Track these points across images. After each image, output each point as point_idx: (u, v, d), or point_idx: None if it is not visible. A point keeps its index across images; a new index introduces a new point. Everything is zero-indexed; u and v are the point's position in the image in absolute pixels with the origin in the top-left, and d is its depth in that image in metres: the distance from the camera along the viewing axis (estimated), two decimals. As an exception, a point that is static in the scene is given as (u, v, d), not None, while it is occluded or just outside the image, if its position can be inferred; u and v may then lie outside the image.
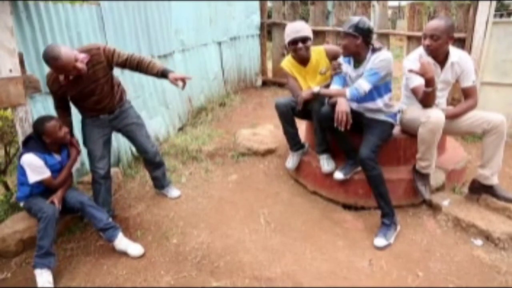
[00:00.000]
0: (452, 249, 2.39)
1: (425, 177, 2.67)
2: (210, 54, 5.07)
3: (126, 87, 3.39)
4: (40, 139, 2.37)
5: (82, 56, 2.28)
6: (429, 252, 2.38)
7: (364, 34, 2.45)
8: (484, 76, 3.91)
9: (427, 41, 2.47)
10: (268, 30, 6.17)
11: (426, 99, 2.45)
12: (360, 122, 2.67)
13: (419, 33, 4.37)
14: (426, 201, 2.79)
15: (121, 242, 2.44)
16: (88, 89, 2.42)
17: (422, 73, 2.33)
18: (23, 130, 2.51)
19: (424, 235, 2.53)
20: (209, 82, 5.13)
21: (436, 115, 2.38)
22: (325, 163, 2.91)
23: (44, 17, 2.66)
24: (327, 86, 2.82)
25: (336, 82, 2.70)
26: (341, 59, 2.74)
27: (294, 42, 2.80)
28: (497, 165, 2.50)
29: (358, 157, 2.54)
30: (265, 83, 6.27)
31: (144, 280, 2.23)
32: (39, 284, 2.16)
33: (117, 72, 3.21)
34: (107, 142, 2.68)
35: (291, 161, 3.16)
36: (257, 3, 5.87)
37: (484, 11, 3.77)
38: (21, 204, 2.46)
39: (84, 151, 2.70)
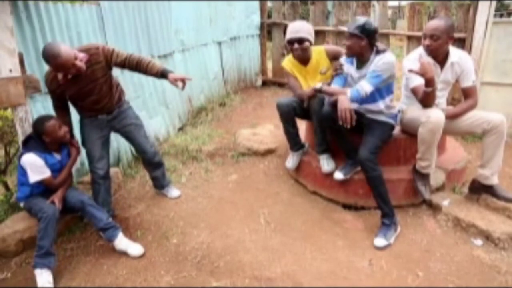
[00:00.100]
0: (452, 249, 2.39)
1: (425, 177, 2.67)
2: (210, 54, 5.07)
3: (126, 87, 3.39)
4: (40, 139, 2.37)
5: (81, 55, 2.28)
6: (429, 252, 2.38)
7: (369, 35, 2.43)
8: (484, 76, 3.91)
9: (427, 41, 2.46)
10: (268, 30, 6.17)
11: (426, 99, 2.45)
12: (360, 122, 2.67)
13: (419, 33, 4.37)
14: (426, 201, 2.79)
15: (121, 242, 2.44)
16: (87, 88, 2.41)
17: (422, 73, 2.33)
18: (23, 130, 2.51)
19: (424, 235, 2.53)
20: (209, 82, 5.13)
21: (436, 115, 2.38)
22: (325, 163, 2.91)
23: (44, 17, 2.66)
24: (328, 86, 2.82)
25: (336, 82, 2.70)
26: (343, 60, 2.73)
27: (290, 41, 2.82)
28: (497, 165, 2.50)
29: (358, 158, 2.54)
30: (265, 83, 6.27)
31: (144, 280, 2.24)
32: (39, 284, 2.16)
33: (117, 72, 3.22)
34: (106, 143, 2.68)
35: (291, 161, 3.16)
36: (257, 3, 5.87)
37: (484, 11, 3.77)
38: (21, 204, 2.46)
39: (83, 151, 2.70)
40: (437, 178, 2.81)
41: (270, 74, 6.36)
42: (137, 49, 3.56)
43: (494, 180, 2.54)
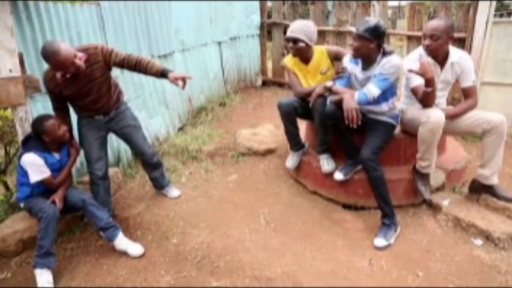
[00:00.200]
0: (452, 249, 2.39)
1: (425, 177, 2.67)
2: (210, 54, 5.07)
3: (126, 87, 3.40)
4: (40, 138, 2.37)
5: (80, 54, 2.27)
6: (429, 252, 2.38)
7: (379, 37, 2.41)
8: (484, 76, 3.91)
9: (427, 41, 2.46)
10: (268, 30, 6.17)
11: (426, 99, 2.45)
12: (362, 121, 2.65)
13: (419, 33, 4.36)
14: (426, 201, 2.79)
15: (121, 242, 2.44)
16: (85, 88, 2.40)
17: (422, 73, 2.33)
18: (23, 130, 2.51)
19: (424, 235, 2.53)
20: (209, 82, 5.13)
21: (436, 115, 2.38)
22: (325, 163, 2.91)
23: (44, 17, 2.66)
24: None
25: (339, 83, 2.68)
26: (347, 60, 2.71)
27: (287, 40, 2.86)
28: (497, 165, 2.50)
29: (360, 158, 2.53)
30: (265, 83, 6.26)
31: (144, 280, 2.24)
32: (39, 284, 2.16)
33: (116, 72, 3.22)
34: (104, 143, 2.67)
35: (291, 160, 3.16)
36: (257, 3, 5.87)
37: (484, 11, 3.77)
38: (22, 205, 2.46)
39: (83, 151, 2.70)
40: (437, 178, 2.81)
41: (270, 74, 6.36)
42: (137, 49, 3.56)
43: (494, 180, 2.54)
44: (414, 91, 2.54)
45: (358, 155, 2.76)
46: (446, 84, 2.66)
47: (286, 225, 2.70)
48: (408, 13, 4.58)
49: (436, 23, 2.42)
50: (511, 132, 3.21)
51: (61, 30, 2.80)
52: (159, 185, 3.07)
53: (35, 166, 2.31)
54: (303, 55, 2.88)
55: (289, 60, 3.01)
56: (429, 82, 2.34)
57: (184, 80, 2.47)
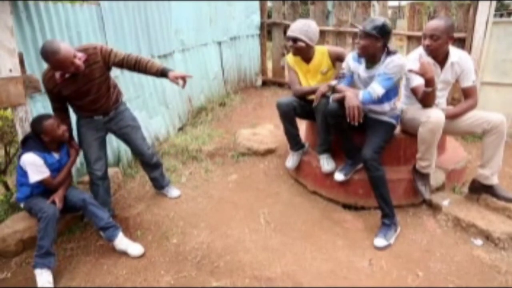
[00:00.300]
0: (452, 249, 2.39)
1: (425, 177, 2.67)
2: (210, 54, 5.07)
3: (126, 87, 3.41)
4: (39, 138, 2.36)
5: (79, 54, 2.27)
6: (429, 252, 2.38)
7: (386, 36, 2.41)
8: (484, 76, 3.91)
9: (427, 41, 2.46)
10: (268, 30, 6.17)
11: (426, 99, 2.45)
12: (363, 121, 2.65)
13: (419, 33, 4.36)
14: (426, 201, 2.79)
15: (121, 242, 2.44)
16: (84, 88, 2.40)
17: (422, 73, 2.33)
18: (23, 130, 2.51)
19: (424, 235, 2.53)
20: (209, 82, 5.13)
21: (436, 115, 2.38)
22: (325, 163, 2.91)
23: (44, 17, 2.66)
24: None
25: (341, 82, 2.69)
26: (349, 59, 2.70)
27: (287, 38, 2.87)
28: (497, 165, 2.50)
29: (362, 157, 2.52)
30: (265, 83, 6.27)
31: (144, 280, 2.24)
32: (39, 284, 2.16)
33: (116, 72, 3.22)
34: (103, 143, 2.66)
35: (291, 160, 3.16)
36: (257, 3, 5.87)
37: (484, 11, 3.77)
38: (22, 205, 2.46)
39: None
40: (437, 178, 2.81)
41: (270, 74, 6.35)
42: (137, 49, 3.56)
43: (494, 180, 2.54)
44: (414, 91, 2.54)
45: (359, 155, 2.77)
46: (446, 84, 2.66)
47: (286, 225, 2.70)
48: (408, 13, 4.58)
49: (436, 23, 2.42)
50: (511, 132, 3.21)
51: (61, 30, 2.80)
52: (159, 185, 3.07)
53: (35, 166, 2.31)
54: (303, 54, 2.89)
55: (290, 58, 3.02)
56: (429, 82, 2.34)
57: (184, 79, 2.46)
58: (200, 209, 2.93)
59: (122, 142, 2.85)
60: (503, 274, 2.18)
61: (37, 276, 2.17)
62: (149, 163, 2.89)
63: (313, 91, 2.97)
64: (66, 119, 2.53)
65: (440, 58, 2.54)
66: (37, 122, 2.34)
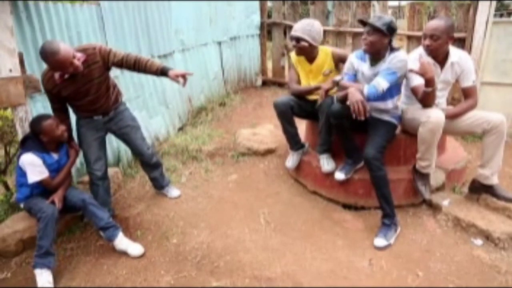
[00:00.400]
0: (452, 249, 2.39)
1: (425, 177, 2.67)
2: (210, 54, 5.07)
3: (126, 87, 3.41)
4: (38, 139, 2.36)
5: (79, 55, 2.27)
6: (429, 252, 2.38)
7: (392, 34, 2.43)
8: (484, 76, 3.91)
9: (427, 41, 2.46)
10: (268, 30, 6.17)
11: (426, 99, 2.45)
12: (365, 121, 2.64)
13: (419, 33, 4.36)
14: (426, 201, 2.79)
15: (121, 241, 2.44)
16: (83, 88, 2.39)
17: (422, 73, 2.33)
18: (23, 130, 2.51)
19: (424, 235, 2.53)
20: (209, 82, 5.13)
21: (436, 115, 2.38)
22: (325, 163, 2.91)
23: (44, 17, 2.66)
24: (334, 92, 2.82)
25: (346, 79, 2.67)
26: (353, 57, 2.68)
27: (290, 38, 2.88)
28: (497, 165, 2.50)
29: (364, 157, 2.51)
30: (265, 83, 6.27)
31: (144, 280, 2.24)
32: (39, 284, 2.16)
33: (116, 72, 3.22)
34: (102, 144, 2.66)
35: (291, 160, 3.16)
36: (257, 3, 5.87)
37: (484, 11, 3.77)
38: (21, 205, 2.46)
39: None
40: (437, 178, 2.81)
41: (270, 74, 6.36)
42: (137, 49, 3.56)
43: (494, 180, 2.54)
44: (414, 91, 2.54)
45: (359, 154, 2.77)
46: (446, 84, 2.66)
47: (286, 225, 2.70)
48: (408, 13, 4.58)
49: (436, 23, 2.42)
50: (511, 132, 3.21)
51: (61, 30, 2.80)
52: (158, 185, 3.07)
53: (34, 166, 2.31)
54: (307, 54, 2.89)
55: (294, 56, 3.02)
56: (429, 82, 2.34)
57: (185, 77, 2.46)
58: (200, 209, 2.93)
59: (122, 142, 2.85)
60: (503, 274, 2.17)
61: (37, 276, 2.17)
62: (149, 163, 2.89)
63: (309, 91, 2.98)
64: (65, 120, 2.53)
65: (440, 58, 2.54)
66: (36, 122, 2.34)
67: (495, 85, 3.89)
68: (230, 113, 4.98)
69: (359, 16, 4.80)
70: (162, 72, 2.46)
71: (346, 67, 2.73)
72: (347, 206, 2.91)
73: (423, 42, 2.51)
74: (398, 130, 2.82)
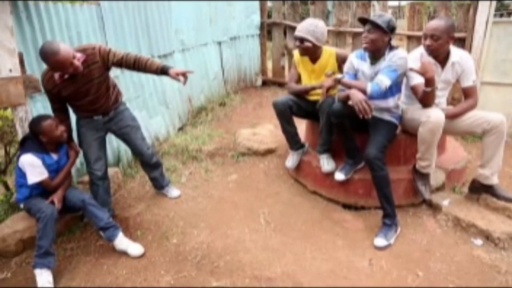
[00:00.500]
0: (452, 249, 2.39)
1: (425, 176, 2.67)
2: (210, 54, 5.07)
3: (126, 87, 3.41)
4: (37, 139, 2.35)
5: (78, 55, 2.27)
6: (429, 252, 2.38)
7: (392, 32, 2.45)
8: (484, 76, 3.92)
9: (427, 41, 2.46)
10: (268, 30, 6.17)
11: (426, 99, 2.45)
12: (365, 121, 2.64)
13: (419, 33, 4.36)
14: (426, 201, 2.79)
15: (121, 241, 2.44)
16: (83, 89, 2.39)
17: (422, 72, 2.33)
18: (23, 130, 2.51)
19: (424, 235, 2.53)
20: (209, 82, 5.13)
21: (436, 115, 2.38)
22: (325, 163, 2.91)
23: (44, 17, 2.65)
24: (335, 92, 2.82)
25: (347, 77, 2.67)
26: (353, 58, 2.68)
27: (294, 38, 2.86)
28: (497, 165, 2.50)
29: (366, 156, 2.50)
30: (265, 83, 6.27)
31: (144, 279, 2.24)
32: (39, 284, 2.16)
33: (117, 72, 3.22)
34: (102, 143, 2.66)
35: (291, 160, 3.16)
36: (257, 3, 5.87)
37: (484, 11, 3.77)
38: (21, 205, 2.46)
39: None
40: (437, 178, 2.81)
41: (270, 74, 6.36)
42: (137, 49, 3.55)
43: (494, 180, 2.54)
44: (414, 90, 2.54)
45: (359, 155, 2.77)
46: (446, 84, 2.66)
47: (286, 225, 2.70)
48: (408, 13, 4.58)
49: (437, 23, 2.42)
50: (511, 132, 3.21)
51: (61, 30, 2.80)
52: (158, 185, 3.07)
53: (34, 167, 2.30)
54: (310, 54, 2.89)
55: (297, 55, 3.02)
56: (429, 82, 2.34)
57: (185, 75, 2.45)
58: (200, 209, 2.93)
59: (122, 142, 2.85)
60: (503, 274, 2.17)
61: (37, 276, 2.17)
62: (149, 163, 2.89)
63: (305, 91, 2.98)
64: (65, 120, 2.52)
65: (441, 58, 2.54)
66: (35, 123, 2.33)
67: (495, 85, 3.89)
68: (230, 113, 4.98)
69: (359, 16, 4.79)
70: (163, 70, 2.46)
71: (346, 66, 2.73)
72: (347, 206, 2.91)
73: (423, 42, 2.51)
74: (398, 130, 2.82)
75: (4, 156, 3.20)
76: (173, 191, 3.10)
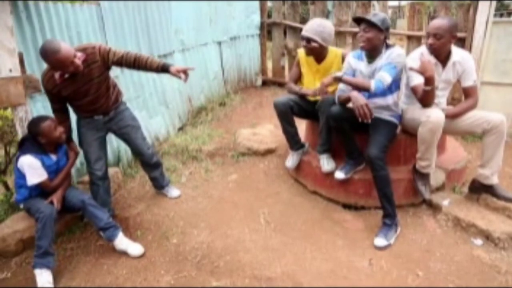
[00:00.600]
0: (452, 249, 2.39)
1: (425, 176, 2.67)
2: (210, 53, 5.07)
3: (126, 87, 3.41)
4: (36, 140, 2.34)
5: (79, 54, 2.26)
6: (429, 252, 2.38)
7: (387, 30, 2.47)
8: (484, 76, 3.91)
9: (430, 40, 2.46)
10: (268, 30, 6.16)
11: (426, 98, 2.45)
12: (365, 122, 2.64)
13: (419, 33, 4.37)
14: (426, 201, 2.79)
15: (121, 241, 2.44)
16: (83, 88, 2.39)
17: (421, 71, 2.33)
18: (23, 130, 2.51)
19: (424, 235, 2.53)
20: (209, 81, 5.13)
21: (436, 115, 2.38)
22: (325, 163, 2.91)
23: (44, 17, 2.65)
24: (334, 91, 2.82)
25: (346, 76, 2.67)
26: (350, 58, 2.69)
27: (301, 37, 2.86)
28: (497, 164, 2.50)
29: (367, 156, 2.50)
30: (265, 83, 6.27)
31: (144, 279, 2.24)
32: (39, 284, 2.16)
33: (117, 71, 3.22)
34: (103, 143, 2.66)
35: (291, 160, 3.16)
36: (257, 3, 5.86)
37: (484, 11, 3.77)
38: (21, 206, 2.46)
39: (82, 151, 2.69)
40: (437, 178, 2.81)
41: (270, 74, 6.36)
42: (137, 49, 3.55)
43: (494, 180, 2.54)
44: (414, 90, 2.54)
45: (360, 155, 2.77)
46: (447, 84, 2.66)
47: (286, 225, 2.70)
48: (408, 13, 4.59)
49: (440, 22, 2.43)
50: (511, 132, 3.21)
51: (61, 30, 2.80)
52: (159, 185, 3.07)
53: (33, 168, 2.29)
54: (316, 55, 2.89)
55: (302, 54, 3.01)
56: (429, 81, 2.34)
57: (186, 72, 2.45)
58: (200, 209, 2.93)
59: (122, 142, 2.85)
60: (503, 274, 2.17)
61: (37, 276, 2.17)
62: (149, 163, 2.89)
63: (299, 95, 3.00)
64: (65, 121, 2.52)
65: (442, 57, 2.54)
66: (34, 124, 2.32)
67: (495, 85, 3.89)
68: (230, 113, 4.98)
69: (354, 16, 4.79)
70: (163, 68, 2.45)
71: (344, 67, 2.73)
72: (347, 206, 2.91)
73: (426, 41, 2.51)
74: (398, 130, 2.82)
75: (4, 156, 3.20)
76: (173, 191, 3.10)
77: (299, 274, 2.21)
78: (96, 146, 2.60)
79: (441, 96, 2.69)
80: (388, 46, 2.54)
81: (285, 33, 5.87)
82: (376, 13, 2.50)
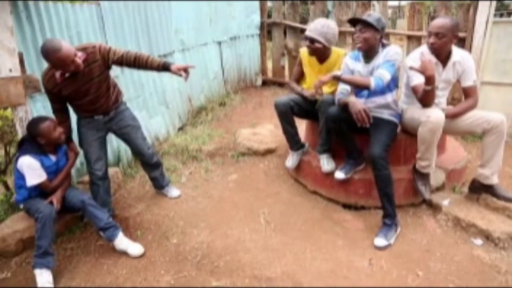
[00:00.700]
0: (452, 249, 2.39)
1: (425, 176, 2.67)
2: (210, 53, 5.07)
3: (126, 86, 3.41)
4: (35, 141, 2.34)
5: (79, 53, 2.26)
6: (429, 252, 2.38)
7: (383, 30, 2.50)
8: (484, 76, 3.91)
9: (432, 39, 2.47)
10: (268, 29, 6.17)
11: (426, 98, 2.45)
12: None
13: (419, 33, 4.37)
14: (426, 201, 2.79)
15: (121, 241, 2.44)
16: (84, 88, 2.39)
17: (422, 71, 2.33)
18: (23, 130, 2.51)
19: (424, 235, 2.53)
20: (209, 81, 5.13)
21: (436, 115, 2.38)
22: (325, 163, 2.91)
23: (44, 17, 2.65)
24: (334, 91, 2.82)
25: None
26: (347, 60, 2.70)
27: (305, 37, 2.87)
28: (497, 164, 2.50)
29: (370, 156, 2.49)
30: (265, 83, 6.27)
31: (144, 279, 2.24)
32: (39, 284, 2.16)
33: (117, 71, 3.22)
34: (103, 143, 2.66)
35: (291, 160, 3.16)
36: (257, 3, 5.87)
37: (484, 11, 3.77)
38: (21, 206, 2.46)
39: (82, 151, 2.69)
40: (437, 177, 2.81)
41: (270, 74, 6.36)
42: (137, 49, 3.55)
43: (494, 180, 2.54)
44: (414, 90, 2.54)
45: (360, 155, 2.77)
46: (447, 84, 2.66)
47: (286, 225, 2.70)
48: (408, 13, 4.59)
49: (442, 21, 2.43)
50: (511, 132, 3.21)
51: (61, 30, 2.80)
52: (159, 185, 3.07)
53: (32, 169, 2.29)
54: (319, 55, 2.89)
55: (305, 53, 3.01)
56: (429, 80, 2.34)
57: (187, 70, 2.45)
58: (200, 209, 2.93)
59: (122, 142, 2.85)
60: (503, 274, 2.17)
61: (37, 276, 2.17)
62: (149, 163, 2.89)
63: (298, 95, 2.99)
64: (66, 121, 2.52)
65: (443, 57, 2.54)
66: (33, 125, 2.31)
67: (495, 85, 3.89)
68: (230, 113, 4.98)
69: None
70: (164, 67, 2.46)
71: (342, 68, 2.74)
72: (347, 206, 2.91)
73: (428, 40, 2.51)
74: (398, 130, 2.82)
75: (4, 156, 3.20)
76: (173, 191, 3.10)
77: (299, 274, 2.21)
78: (96, 146, 2.60)
79: (441, 96, 2.69)
80: (384, 45, 2.56)
81: (285, 33, 5.87)
82: (370, 14, 2.52)
